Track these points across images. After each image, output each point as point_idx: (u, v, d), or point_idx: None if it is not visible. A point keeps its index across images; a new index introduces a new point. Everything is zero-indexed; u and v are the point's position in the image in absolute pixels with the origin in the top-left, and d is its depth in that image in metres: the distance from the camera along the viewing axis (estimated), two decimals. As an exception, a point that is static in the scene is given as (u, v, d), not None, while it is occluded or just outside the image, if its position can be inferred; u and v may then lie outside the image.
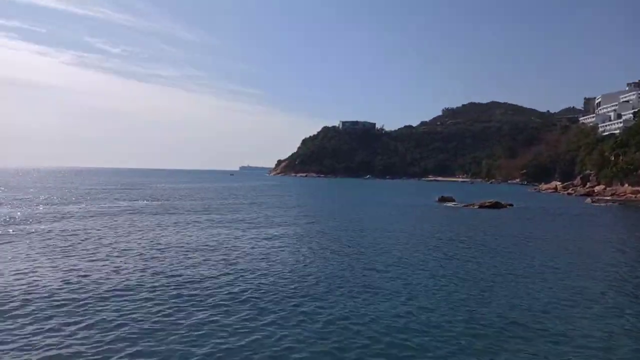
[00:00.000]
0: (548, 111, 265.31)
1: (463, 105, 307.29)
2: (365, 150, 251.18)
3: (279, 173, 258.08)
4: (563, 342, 9.84)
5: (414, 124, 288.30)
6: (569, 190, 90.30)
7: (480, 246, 23.08)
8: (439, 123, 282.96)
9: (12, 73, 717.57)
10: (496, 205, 50.39)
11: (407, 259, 18.93)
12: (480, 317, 11.41)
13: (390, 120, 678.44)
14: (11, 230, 23.92)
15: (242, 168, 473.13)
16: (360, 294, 13.09)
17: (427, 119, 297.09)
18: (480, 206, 49.92)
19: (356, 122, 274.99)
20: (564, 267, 17.97)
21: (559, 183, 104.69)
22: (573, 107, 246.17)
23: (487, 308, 12.25)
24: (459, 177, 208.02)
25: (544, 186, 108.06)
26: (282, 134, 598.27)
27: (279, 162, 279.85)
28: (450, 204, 55.22)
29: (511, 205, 52.30)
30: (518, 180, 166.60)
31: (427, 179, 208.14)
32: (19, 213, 32.26)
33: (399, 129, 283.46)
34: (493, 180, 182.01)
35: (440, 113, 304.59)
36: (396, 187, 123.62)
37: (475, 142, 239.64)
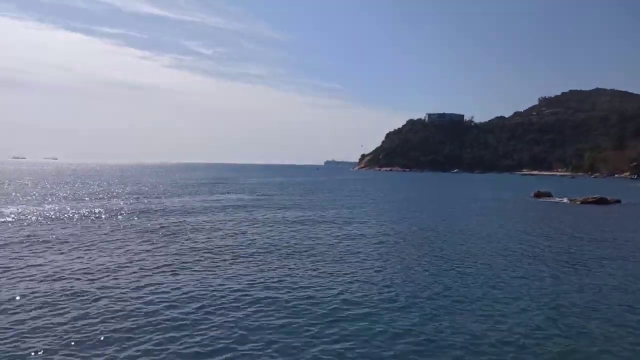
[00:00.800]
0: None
1: (562, 93, 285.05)
2: (453, 143, 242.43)
3: (362, 167, 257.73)
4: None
5: (507, 115, 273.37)
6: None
7: (588, 250, 21.32)
8: (534, 113, 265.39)
9: (119, 76, 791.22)
10: (601, 202, 46.15)
11: (504, 262, 18.00)
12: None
13: (480, 111, 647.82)
14: (115, 221, 26.35)
15: (327, 163, 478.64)
16: (457, 302, 12.34)
17: (521, 109, 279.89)
18: (583, 202, 46.05)
19: (443, 114, 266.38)
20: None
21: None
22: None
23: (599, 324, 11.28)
24: (557, 171, 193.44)
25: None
26: (366, 128, 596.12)
27: (363, 156, 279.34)
28: (547, 200, 51.64)
29: (619, 201, 47.66)
30: (627, 174, 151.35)
31: (521, 172, 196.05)
32: (127, 205, 35.44)
33: (489, 120, 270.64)
34: (597, 174, 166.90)
35: (536, 102, 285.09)
36: (487, 181, 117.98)
37: (576, 133, 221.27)
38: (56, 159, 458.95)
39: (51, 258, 16.10)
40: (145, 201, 39.15)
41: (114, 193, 48.07)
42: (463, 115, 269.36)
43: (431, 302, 11.98)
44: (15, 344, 8.80)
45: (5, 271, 14.09)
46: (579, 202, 46.17)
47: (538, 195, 54.70)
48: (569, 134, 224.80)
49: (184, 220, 26.85)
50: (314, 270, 15.28)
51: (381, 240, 21.80)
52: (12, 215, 27.19)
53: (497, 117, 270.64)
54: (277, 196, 49.23)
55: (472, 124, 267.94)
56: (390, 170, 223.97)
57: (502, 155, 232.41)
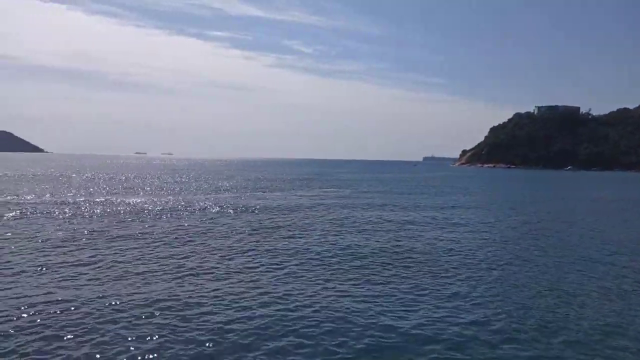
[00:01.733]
0: None
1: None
2: (566, 138, 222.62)
3: (463, 163, 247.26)
4: None
5: (631, 106, 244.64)
6: None
7: None
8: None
9: (225, 77, 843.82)
10: None
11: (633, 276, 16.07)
12: None
13: (598, 103, 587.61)
14: (223, 215, 27.90)
15: (426, 159, 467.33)
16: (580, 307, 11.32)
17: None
18: None
19: (554, 107, 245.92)
20: None
21: None
22: None
23: None
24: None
25: None
26: (468, 123, 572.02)
27: (464, 152, 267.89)
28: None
29: None
30: None
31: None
32: (233, 199, 37.52)
33: (610, 112, 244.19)
34: None
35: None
36: (607, 180, 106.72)
37: None
38: (171, 154, 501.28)
39: (158, 251, 17.54)
40: (248, 195, 41.12)
41: (222, 187, 51.22)
42: (578, 108, 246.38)
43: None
44: (118, 333, 9.46)
45: (119, 261, 15.60)
46: None
47: (671, 196, 48.16)
48: None
49: (285, 217, 27.43)
50: (417, 282, 13.62)
51: (494, 248, 19.49)
52: (136, 206, 30.19)
53: (619, 109, 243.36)
54: (374, 193, 48.90)
55: (590, 116, 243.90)
56: (494, 167, 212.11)
57: (625, 151, 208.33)
